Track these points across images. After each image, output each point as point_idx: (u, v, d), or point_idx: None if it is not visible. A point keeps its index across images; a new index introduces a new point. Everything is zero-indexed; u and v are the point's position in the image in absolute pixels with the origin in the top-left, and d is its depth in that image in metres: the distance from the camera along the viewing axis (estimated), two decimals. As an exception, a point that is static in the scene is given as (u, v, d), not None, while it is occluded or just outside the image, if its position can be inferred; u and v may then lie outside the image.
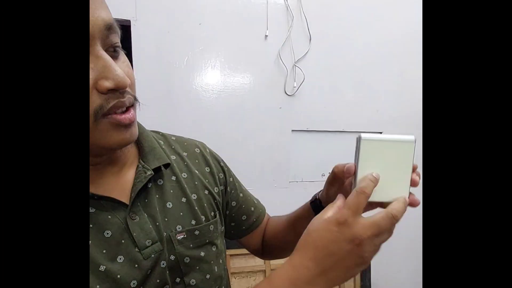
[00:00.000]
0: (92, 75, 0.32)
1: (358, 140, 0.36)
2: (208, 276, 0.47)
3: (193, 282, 0.46)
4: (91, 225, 0.39)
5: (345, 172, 0.39)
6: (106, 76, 0.33)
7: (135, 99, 0.38)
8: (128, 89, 0.36)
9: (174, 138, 0.52)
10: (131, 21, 1.07)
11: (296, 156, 1.33)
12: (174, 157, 0.49)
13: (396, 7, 1.34)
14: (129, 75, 0.37)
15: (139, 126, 0.47)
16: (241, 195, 0.58)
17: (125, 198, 0.41)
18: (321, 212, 0.37)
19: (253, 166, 1.26)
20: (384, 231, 0.33)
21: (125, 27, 1.07)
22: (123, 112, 0.35)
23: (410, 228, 1.52)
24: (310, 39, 1.26)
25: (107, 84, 0.32)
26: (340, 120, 1.36)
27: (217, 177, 0.52)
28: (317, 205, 0.49)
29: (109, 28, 0.33)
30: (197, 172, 0.50)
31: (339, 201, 0.36)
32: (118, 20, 0.96)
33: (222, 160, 0.56)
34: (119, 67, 0.34)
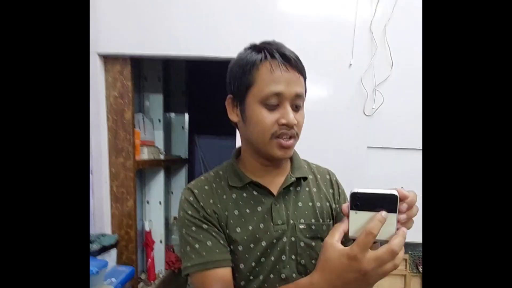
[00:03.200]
0: (277, 115, 0.57)
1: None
2: (313, 261, 0.62)
3: (302, 261, 0.62)
4: (251, 201, 0.62)
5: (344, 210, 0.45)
6: (284, 117, 0.57)
7: (297, 135, 0.60)
8: (294, 128, 0.58)
9: (314, 165, 0.74)
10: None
11: (370, 171, 1.45)
12: (311, 177, 0.70)
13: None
14: (298, 121, 0.59)
15: (295, 152, 0.71)
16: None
17: (275, 191, 0.64)
18: (331, 237, 0.44)
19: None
20: (386, 262, 0.40)
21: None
22: (287, 140, 0.59)
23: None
24: (392, 65, 1.37)
25: (283, 120, 0.57)
26: (416, 139, 1.42)
27: (336, 197, 0.70)
28: None
29: (297, 96, 0.58)
30: (324, 189, 0.69)
31: (343, 224, 0.44)
32: (225, 58, 1.30)
33: (342, 188, 0.73)
34: (293, 116, 0.57)
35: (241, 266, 0.61)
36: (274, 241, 0.61)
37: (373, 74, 1.38)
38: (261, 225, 0.61)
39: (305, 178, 0.67)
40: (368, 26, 1.37)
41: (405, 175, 1.44)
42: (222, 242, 0.60)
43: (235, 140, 1.47)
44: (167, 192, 2.31)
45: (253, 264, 0.60)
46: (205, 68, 2.71)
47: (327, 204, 0.68)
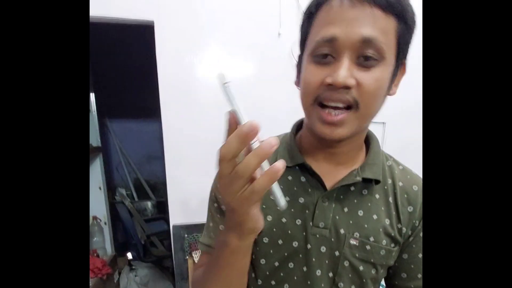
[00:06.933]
0: (326, 73, 0.39)
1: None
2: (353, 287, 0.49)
3: (341, 285, 0.48)
4: (295, 188, 0.48)
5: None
6: (331, 74, 0.39)
7: (357, 105, 0.40)
8: (352, 92, 0.39)
9: (401, 167, 0.53)
10: (154, 22, 1.14)
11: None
12: (390, 181, 0.51)
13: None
14: (361, 82, 0.39)
15: (375, 141, 0.52)
16: (420, 255, 0.52)
17: (329, 184, 0.48)
18: None
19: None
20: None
21: (149, 28, 1.14)
22: (333, 114, 0.40)
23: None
24: (318, 35, 1.36)
25: (328, 79, 0.39)
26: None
27: (412, 221, 0.50)
28: None
29: (364, 42, 0.37)
30: (400, 204, 0.50)
31: None
32: (140, 21, 1.12)
33: None
34: (346, 72, 0.38)
35: (262, 261, 0.50)
36: (309, 246, 0.48)
37: (301, 44, 1.35)
38: (298, 221, 0.49)
39: (377, 181, 0.49)
40: (293, -8, 1.30)
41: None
42: None
43: (160, 123, 1.27)
44: (79, 190, 1.95)
45: (277, 264, 0.49)
46: (110, 38, 2.28)
47: (399, 225, 0.50)
